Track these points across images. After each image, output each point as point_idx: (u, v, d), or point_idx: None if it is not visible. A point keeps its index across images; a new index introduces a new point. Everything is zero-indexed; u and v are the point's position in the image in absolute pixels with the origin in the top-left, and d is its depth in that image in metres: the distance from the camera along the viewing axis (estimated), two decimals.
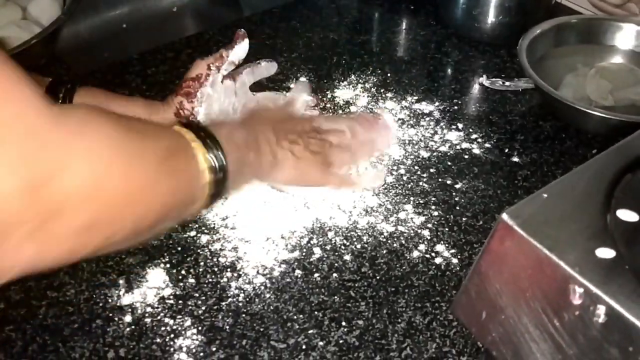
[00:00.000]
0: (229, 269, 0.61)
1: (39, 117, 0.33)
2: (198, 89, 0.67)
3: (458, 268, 0.62)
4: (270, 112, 0.63)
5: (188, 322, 0.57)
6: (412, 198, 0.69)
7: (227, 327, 0.57)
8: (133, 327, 0.57)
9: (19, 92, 0.33)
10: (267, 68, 0.74)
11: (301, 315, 0.58)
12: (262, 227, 0.65)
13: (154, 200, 0.41)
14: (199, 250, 0.63)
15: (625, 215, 0.46)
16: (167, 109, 0.67)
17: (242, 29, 0.70)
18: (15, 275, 0.34)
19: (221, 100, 0.69)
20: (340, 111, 0.80)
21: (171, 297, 0.59)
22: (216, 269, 0.61)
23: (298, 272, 0.61)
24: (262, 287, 0.60)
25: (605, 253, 0.43)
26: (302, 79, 0.85)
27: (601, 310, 0.41)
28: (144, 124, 0.45)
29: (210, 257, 0.62)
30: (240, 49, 0.70)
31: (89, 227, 0.36)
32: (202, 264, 0.62)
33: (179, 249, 0.63)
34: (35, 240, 0.33)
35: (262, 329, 0.57)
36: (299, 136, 0.61)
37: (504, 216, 0.46)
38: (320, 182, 0.62)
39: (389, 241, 0.64)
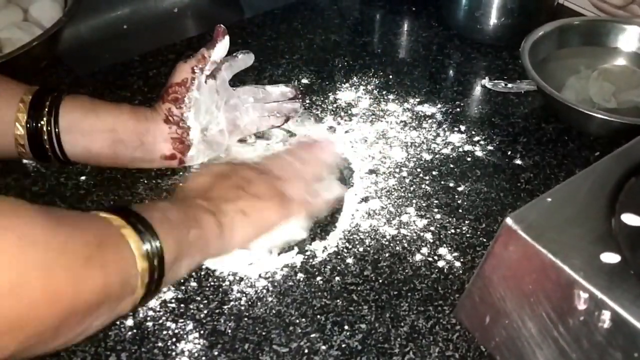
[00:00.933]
0: (230, 273, 0.61)
1: None
2: (185, 94, 0.67)
3: (461, 271, 0.61)
4: (201, 174, 0.61)
5: (190, 326, 0.57)
6: (414, 201, 0.68)
7: (229, 330, 0.56)
8: (135, 331, 0.56)
9: None
10: (244, 60, 0.74)
11: (303, 319, 0.57)
12: None
13: (78, 299, 0.39)
14: None
15: (630, 219, 0.46)
16: (156, 116, 0.67)
17: (222, 25, 0.69)
18: None
19: (207, 102, 0.69)
20: (342, 113, 0.79)
21: (173, 300, 0.59)
22: (218, 272, 0.61)
23: (300, 275, 0.61)
24: (264, 291, 0.60)
25: (610, 258, 0.43)
26: (304, 80, 0.85)
27: (606, 315, 0.41)
28: (72, 215, 0.43)
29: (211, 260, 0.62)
30: (222, 47, 0.69)
31: (8, 332, 0.34)
32: (203, 267, 0.62)
33: None
34: None
35: (264, 333, 0.56)
36: (240, 188, 0.58)
37: (508, 220, 0.46)
38: (282, 220, 0.60)
39: (392, 244, 0.64)
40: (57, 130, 0.62)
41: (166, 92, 0.67)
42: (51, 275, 0.37)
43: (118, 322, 0.57)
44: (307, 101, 0.81)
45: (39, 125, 0.61)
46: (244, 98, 0.74)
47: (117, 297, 0.43)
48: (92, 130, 0.63)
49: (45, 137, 0.61)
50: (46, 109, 0.61)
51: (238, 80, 0.77)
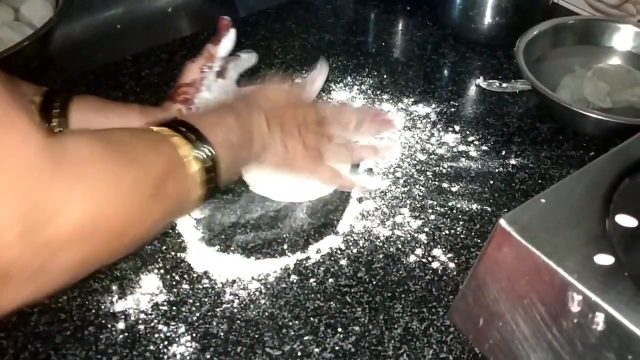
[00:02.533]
0: (223, 274, 0.61)
1: (37, 163, 0.34)
2: (195, 95, 0.66)
3: (455, 273, 0.61)
4: (275, 95, 0.62)
5: (182, 329, 0.56)
6: (408, 202, 0.68)
7: (222, 333, 0.56)
8: (126, 334, 0.56)
9: (18, 137, 0.33)
10: (247, 59, 0.74)
11: (297, 322, 0.57)
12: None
13: (145, 228, 0.42)
14: None
15: (624, 220, 0.46)
16: (166, 116, 0.66)
17: (226, 17, 0.69)
18: (11, 310, 0.35)
19: (216, 101, 0.69)
20: None
21: (165, 303, 0.58)
22: (210, 275, 0.61)
23: (293, 277, 0.61)
24: (257, 293, 0.59)
25: (604, 259, 0.43)
26: (298, 80, 0.85)
27: (600, 317, 0.41)
28: (134, 144, 0.44)
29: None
30: (228, 42, 0.68)
31: (84, 262, 0.37)
32: (196, 269, 0.61)
33: (173, 254, 0.62)
34: (34, 280, 0.35)
35: (257, 336, 0.56)
36: (297, 127, 0.61)
37: (502, 222, 0.45)
38: (310, 171, 0.63)
39: (386, 245, 0.64)
40: (67, 131, 0.61)
41: (176, 93, 0.67)
42: (123, 207, 0.39)
43: (109, 325, 0.56)
44: None
45: (49, 126, 0.60)
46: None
47: (178, 209, 0.48)
48: None
49: None
50: (56, 110, 0.60)
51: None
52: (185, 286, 0.60)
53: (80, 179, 0.36)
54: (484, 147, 0.75)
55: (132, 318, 0.57)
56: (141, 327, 0.56)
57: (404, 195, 0.69)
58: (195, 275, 0.61)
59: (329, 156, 0.64)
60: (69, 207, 0.35)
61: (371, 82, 0.84)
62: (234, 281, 0.60)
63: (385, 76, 0.85)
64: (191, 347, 0.55)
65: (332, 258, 0.62)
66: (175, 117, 0.50)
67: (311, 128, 0.62)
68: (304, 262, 0.62)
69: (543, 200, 0.47)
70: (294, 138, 0.60)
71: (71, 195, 0.35)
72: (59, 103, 0.61)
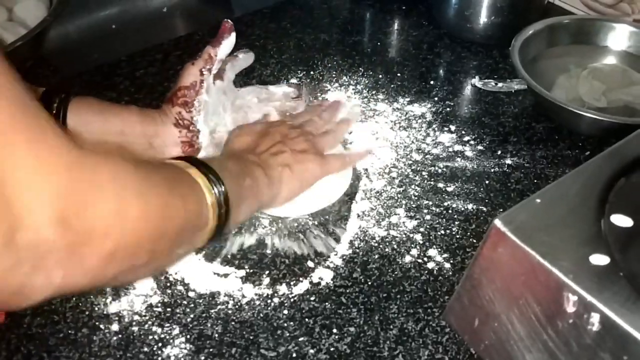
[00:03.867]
0: (217, 275, 0.60)
1: (69, 154, 0.36)
2: (195, 97, 0.66)
3: (450, 273, 0.61)
4: (243, 134, 0.65)
5: (176, 331, 0.56)
6: (404, 202, 0.68)
7: (216, 335, 0.56)
8: (120, 335, 0.55)
9: (52, 133, 0.35)
10: (245, 59, 0.74)
11: (291, 323, 0.57)
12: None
13: (167, 224, 0.43)
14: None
15: (620, 220, 0.46)
16: (165, 119, 0.65)
17: (229, 20, 0.69)
18: (42, 300, 0.36)
19: (215, 104, 0.68)
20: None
21: (159, 304, 0.58)
22: (204, 276, 0.60)
23: (288, 278, 0.60)
24: (251, 294, 0.59)
25: (600, 259, 0.43)
26: (293, 80, 0.84)
27: (595, 318, 0.41)
28: (149, 160, 0.49)
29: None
30: (228, 44, 0.68)
31: (112, 254, 0.38)
32: (190, 270, 0.61)
33: None
34: (64, 267, 0.36)
35: (251, 337, 0.56)
36: (282, 143, 0.63)
37: (497, 222, 0.45)
38: (324, 174, 0.65)
39: (381, 246, 0.63)
40: None
41: (175, 96, 0.66)
42: (145, 200, 0.41)
43: (102, 327, 0.56)
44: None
45: None
46: (249, 99, 0.73)
47: (194, 226, 0.47)
48: (100, 133, 0.63)
49: None
50: (54, 111, 0.60)
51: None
52: (180, 287, 0.59)
53: (108, 174, 0.38)
54: (479, 147, 0.75)
55: (126, 320, 0.57)
56: (135, 328, 0.56)
57: (399, 196, 0.69)
58: (189, 276, 0.60)
59: (322, 147, 0.67)
60: (98, 198, 0.37)
61: (366, 81, 0.84)
62: (228, 283, 0.60)
63: (380, 76, 0.85)
64: (185, 348, 0.55)
65: (327, 258, 0.62)
66: (188, 156, 0.52)
67: (292, 135, 0.65)
68: (299, 262, 0.62)
69: (538, 200, 0.47)
70: (287, 155, 0.62)
71: (101, 188, 0.37)
72: (56, 104, 0.60)
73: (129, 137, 0.64)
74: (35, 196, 0.34)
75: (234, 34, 0.68)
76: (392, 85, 0.84)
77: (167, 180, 0.45)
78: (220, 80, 0.69)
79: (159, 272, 0.58)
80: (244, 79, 0.83)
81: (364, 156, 0.71)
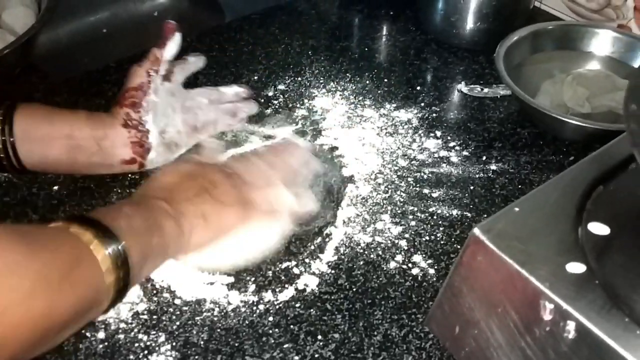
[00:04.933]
0: (203, 283, 0.61)
1: None
2: (143, 98, 0.67)
3: (435, 279, 0.61)
4: (167, 174, 0.60)
5: (162, 338, 0.56)
6: (389, 208, 0.68)
7: (202, 342, 0.56)
8: (106, 343, 0.56)
9: None
10: (195, 63, 0.74)
11: (277, 329, 0.57)
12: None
13: (54, 318, 0.41)
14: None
15: (597, 228, 0.46)
16: (114, 121, 0.66)
17: (172, 21, 0.70)
18: None
19: (164, 104, 0.69)
20: (318, 119, 0.79)
21: (145, 312, 0.58)
22: (191, 283, 0.61)
23: (273, 285, 0.61)
24: (237, 301, 0.59)
25: (576, 268, 0.44)
26: (281, 86, 0.85)
27: (571, 326, 0.41)
28: (44, 235, 0.44)
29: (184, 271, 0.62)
30: (173, 45, 0.69)
31: None
32: (176, 277, 0.61)
33: None
34: None
35: (237, 344, 0.56)
36: (205, 191, 0.58)
37: (475, 230, 0.46)
38: (243, 222, 0.59)
39: (366, 252, 0.64)
40: (12, 139, 0.61)
41: (123, 97, 0.67)
42: (30, 299, 0.39)
43: (89, 335, 0.56)
44: (283, 107, 0.81)
45: None
46: (199, 100, 0.74)
47: (87, 310, 0.45)
48: (48, 138, 0.63)
49: (0, 147, 0.61)
50: (0, 117, 0.61)
51: (214, 85, 0.76)
52: (166, 295, 0.60)
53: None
54: (464, 153, 0.75)
55: (112, 327, 0.57)
56: (121, 336, 0.56)
57: (385, 202, 0.69)
58: (175, 283, 0.61)
59: (253, 194, 0.61)
60: None
61: (353, 87, 0.85)
62: (214, 290, 0.60)
63: (367, 82, 0.86)
64: (171, 356, 0.55)
65: (312, 265, 0.63)
66: (91, 219, 0.47)
67: (220, 183, 0.59)
68: (284, 269, 0.62)
69: (517, 209, 0.47)
70: (209, 204, 0.57)
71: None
72: (2, 111, 0.61)
73: (77, 141, 0.64)
74: None
75: (178, 35, 0.69)
76: (379, 91, 0.84)
77: (60, 270, 0.42)
78: (168, 82, 0.69)
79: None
80: (232, 84, 0.84)
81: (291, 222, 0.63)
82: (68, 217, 0.47)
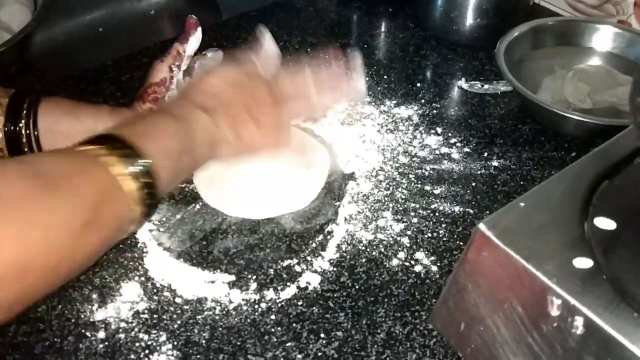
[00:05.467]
0: (204, 281, 0.60)
1: None
2: (165, 94, 0.67)
3: (437, 276, 0.61)
4: (213, 80, 0.57)
5: (163, 337, 0.56)
6: (391, 205, 0.68)
7: (204, 341, 0.56)
8: (107, 343, 0.55)
9: None
10: (214, 58, 0.73)
11: (279, 328, 0.57)
12: None
13: (83, 256, 0.41)
14: None
15: (603, 223, 0.46)
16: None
17: (193, 16, 0.69)
18: None
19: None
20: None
21: (146, 311, 0.58)
22: (191, 282, 0.60)
23: (275, 283, 0.60)
24: (239, 300, 0.59)
25: (583, 263, 0.43)
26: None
27: (579, 321, 0.41)
28: (62, 172, 0.43)
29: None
30: (195, 40, 0.68)
31: (20, 299, 0.38)
32: (177, 276, 0.60)
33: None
34: None
35: (239, 343, 0.55)
36: (247, 109, 0.57)
37: (481, 226, 0.45)
38: (273, 150, 0.60)
39: (368, 249, 0.63)
40: (36, 133, 0.60)
41: (146, 92, 0.67)
42: (56, 247, 0.39)
43: (89, 335, 0.56)
44: None
45: (18, 128, 0.60)
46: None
47: (111, 244, 0.45)
48: (71, 132, 0.62)
49: (24, 140, 0.60)
50: (24, 112, 0.60)
51: None
52: (167, 294, 0.59)
53: (11, 221, 0.37)
54: (466, 149, 0.75)
55: (113, 327, 0.56)
56: (122, 335, 0.56)
57: (386, 199, 0.69)
58: (175, 282, 0.60)
59: (291, 109, 0.61)
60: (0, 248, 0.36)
61: None
62: (215, 288, 0.59)
63: (367, 78, 0.85)
64: (172, 355, 0.54)
65: (314, 263, 0.62)
66: (105, 132, 0.47)
67: (263, 103, 0.58)
68: (286, 267, 0.62)
69: (522, 204, 0.47)
70: (245, 122, 0.56)
71: (2, 238, 0.36)
72: (27, 105, 0.60)
73: None
74: None
75: (199, 29, 0.69)
76: (379, 88, 0.84)
77: (84, 212, 0.41)
78: (189, 77, 0.69)
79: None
80: None
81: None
82: (98, 137, 0.46)
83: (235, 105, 0.56)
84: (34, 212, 0.38)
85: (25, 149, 0.61)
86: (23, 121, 0.59)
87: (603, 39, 0.83)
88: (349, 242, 0.64)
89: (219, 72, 0.59)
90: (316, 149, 0.72)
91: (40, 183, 0.39)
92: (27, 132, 0.60)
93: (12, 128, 0.59)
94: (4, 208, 0.37)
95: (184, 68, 0.68)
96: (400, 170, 0.72)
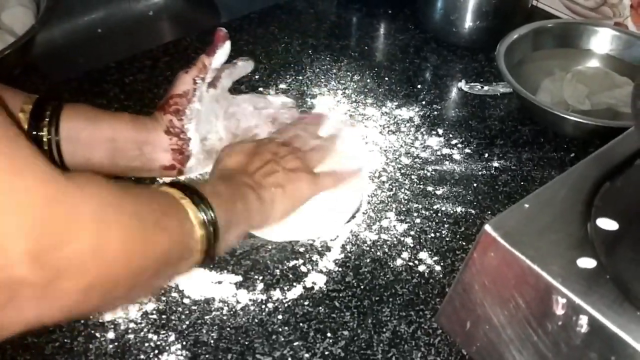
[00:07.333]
0: (211, 282, 0.61)
1: (49, 188, 0.36)
2: (187, 106, 0.66)
3: (441, 275, 0.62)
4: (234, 153, 0.64)
5: (172, 337, 0.56)
6: (394, 205, 0.69)
7: (212, 341, 0.56)
8: (116, 343, 0.56)
9: (33, 165, 0.35)
10: (244, 67, 0.74)
11: (286, 327, 0.57)
12: None
13: (149, 259, 0.43)
14: None
15: (605, 224, 0.47)
16: (157, 126, 0.66)
17: (224, 29, 0.69)
18: (13, 334, 0.36)
19: (207, 112, 0.69)
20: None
21: (154, 312, 0.58)
22: (199, 282, 0.61)
23: (281, 283, 0.61)
24: (246, 300, 0.59)
25: (587, 263, 0.44)
26: (282, 85, 0.85)
27: (583, 320, 0.42)
28: (137, 186, 0.48)
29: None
30: (222, 54, 0.68)
31: (88, 290, 0.38)
32: (184, 277, 0.61)
33: None
34: (37, 301, 0.35)
35: (247, 342, 0.56)
36: (273, 162, 0.63)
37: (487, 227, 0.46)
38: (315, 192, 0.65)
39: (373, 250, 0.64)
40: (57, 139, 0.61)
41: (167, 104, 0.66)
42: (127, 235, 0.41)
43: (98, 335, 0.56)
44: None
45: (40, 134, 0.60)
46: (244, 106, 0.73)
47: (178, 258, 0.48)
48: (92, 140, 0.63)
49: (46, 147, 0.61)
50: (47, 119, 0.60)
51: None
52: (175, 294, 0.60)
53: (88, 207, 0.38)
54: (467, 150, 0.76)
55: (122, 327, 0.57)
56: (131, 336, 0.56)
57: (389, 199, 0.70)
58: (183, 283, 0.61)
59: (314, 163, 0.67)
60: (76, 232, 0.37)
61: (355, 86, 0.85)
62: (222, 289, 0.60)
63: (368, 80, 0.86)
64: (182, 355, 0.55)
65: (320, 263, 0.63)
66: (179, 182, 0.52)
67: (282, 154, 0.65)
68: (292, 268, 0.62)
69: (527, 206, 0.48)
70: (280, 174, 0.62)
71: (79, 222, 0.37)
72: (49, 112, 0.60)
73: (120, 143, 0.64)
74: (9, 231, 0.33)
75: (228, 42, 0.68)
76: (380, 90, 0.85)
77: (155, 212, 0.44)
78: (213, 89, 0.69)
79: (139, 301, 0.58)
80: (233, 84, 0.84)
81: (356, 173, 0.69)
82: (176, 184, 0.50)
83: (265, 165, 0.62)
84: (109, 206, 0.40)
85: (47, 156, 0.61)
86: (45, 128, 0.60)
87: (601, 41, 0.84)
88: (353, 242, 0.65)
89: (232, 151, 0.65)
90: (353, 172, 0.70)
91: (115, 188, 0.42)
92: (49, 137, 0.60)
93: (34, 134, 0.60)
94: (85, 199, 0.38)
95: (209, 80, 0.68)
96: (402, 171, 0.73)
